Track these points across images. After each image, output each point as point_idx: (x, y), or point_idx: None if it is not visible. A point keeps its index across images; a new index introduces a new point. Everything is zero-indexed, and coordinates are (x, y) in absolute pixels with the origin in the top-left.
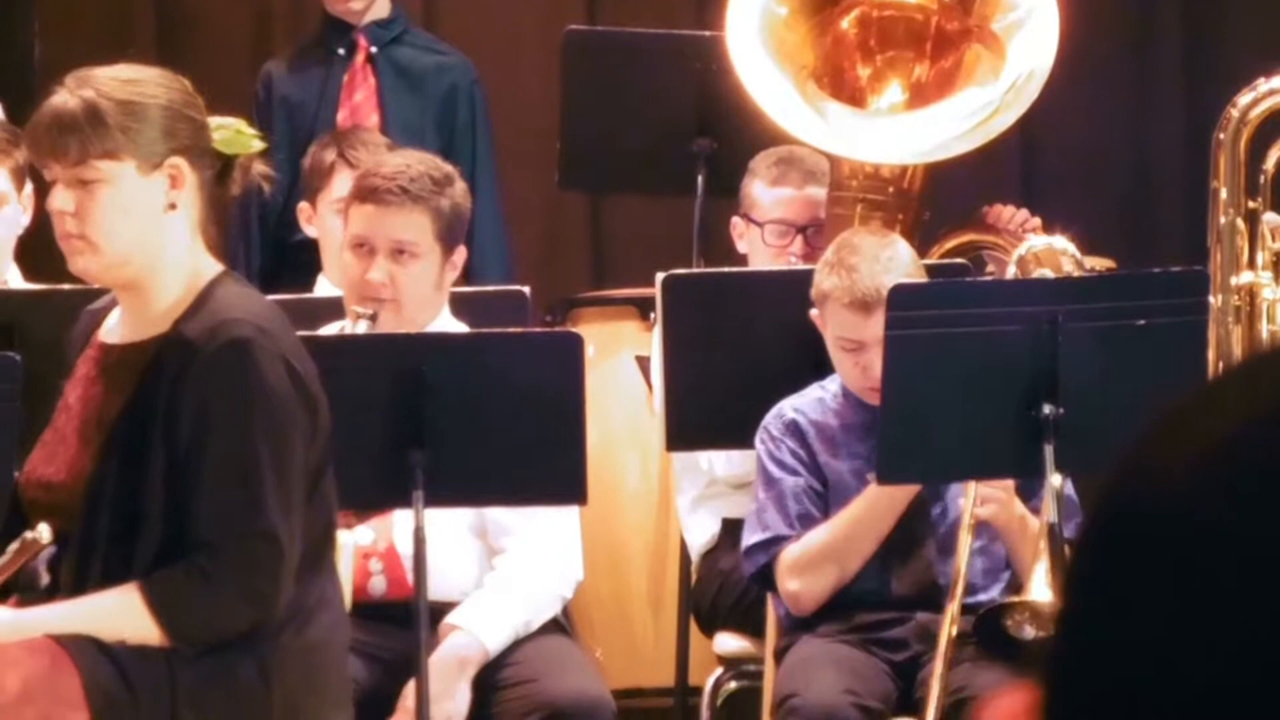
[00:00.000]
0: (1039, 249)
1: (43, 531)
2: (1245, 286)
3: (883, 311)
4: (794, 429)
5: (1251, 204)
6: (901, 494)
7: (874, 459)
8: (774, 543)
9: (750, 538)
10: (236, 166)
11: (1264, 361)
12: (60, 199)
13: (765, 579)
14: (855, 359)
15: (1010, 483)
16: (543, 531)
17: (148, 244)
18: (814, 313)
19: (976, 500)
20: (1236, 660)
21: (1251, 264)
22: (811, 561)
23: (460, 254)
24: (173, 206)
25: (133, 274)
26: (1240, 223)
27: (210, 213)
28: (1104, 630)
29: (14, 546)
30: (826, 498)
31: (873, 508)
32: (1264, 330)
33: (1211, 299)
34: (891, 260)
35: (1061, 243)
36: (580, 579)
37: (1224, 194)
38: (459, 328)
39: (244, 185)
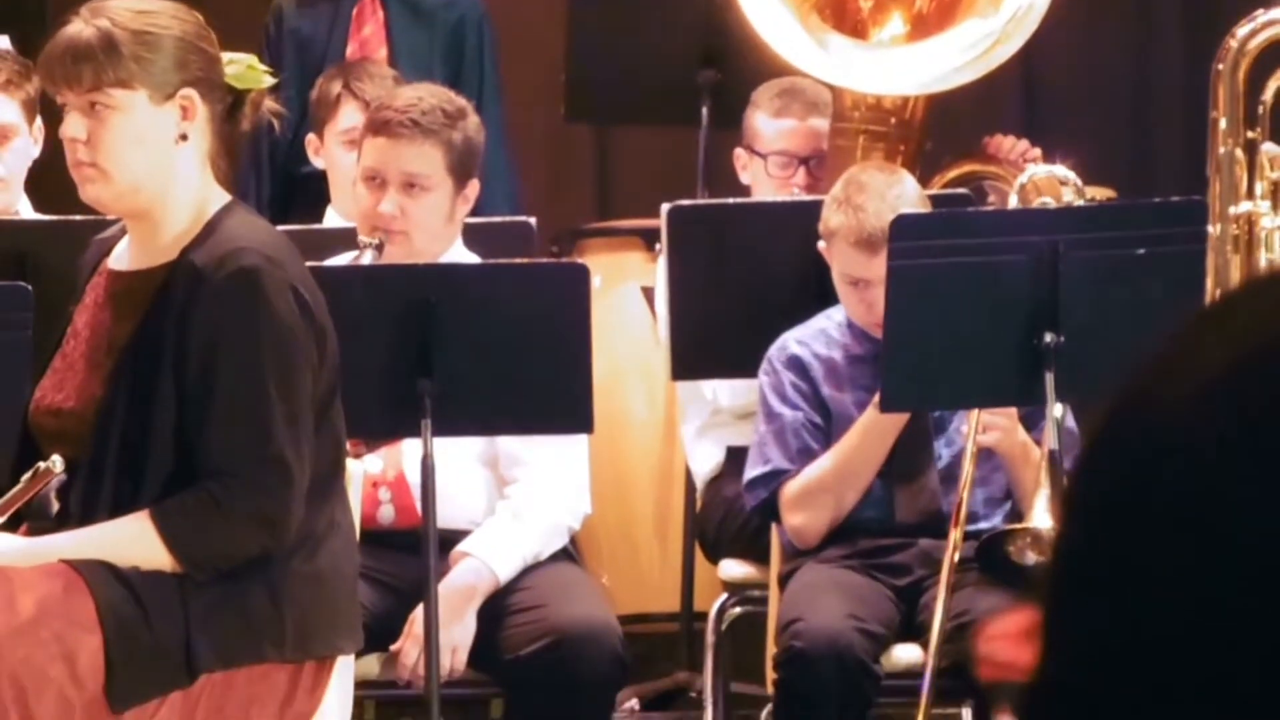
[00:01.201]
0: (1040, 178)
1: (56, 462)
2: (1244, 215)
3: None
4: (796, 363)
5: (1250, 134)
6: (893, 421)
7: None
8: (774, 476)
9: (752, 471)
10: (247, 102)
11: (1260, 289)
12: (73, 126)
13: (768, 511)
14: (860, 295)
15: (1013, 410)
16: (554, 464)
17: (158, 173)
18: (822, 245)
19: (979, 428)
20: (1231, 584)
21: (1250, 193)
22: (812, 495)
23: (473, 187)
24: (184, 137)
25: (143, 203)
26: (1239, 153)
27: (220, 146)
28: (1100, 556)
29: (27, 476)
30: (828, 431)
31: (867, 436)
32: (1262, 259)
33: (1210, 228)
34: (899, 199)
35: (1063, 171)
36: (588, 513)
37: (1223, 124)
38: (472, 260)
39: (254, 121)
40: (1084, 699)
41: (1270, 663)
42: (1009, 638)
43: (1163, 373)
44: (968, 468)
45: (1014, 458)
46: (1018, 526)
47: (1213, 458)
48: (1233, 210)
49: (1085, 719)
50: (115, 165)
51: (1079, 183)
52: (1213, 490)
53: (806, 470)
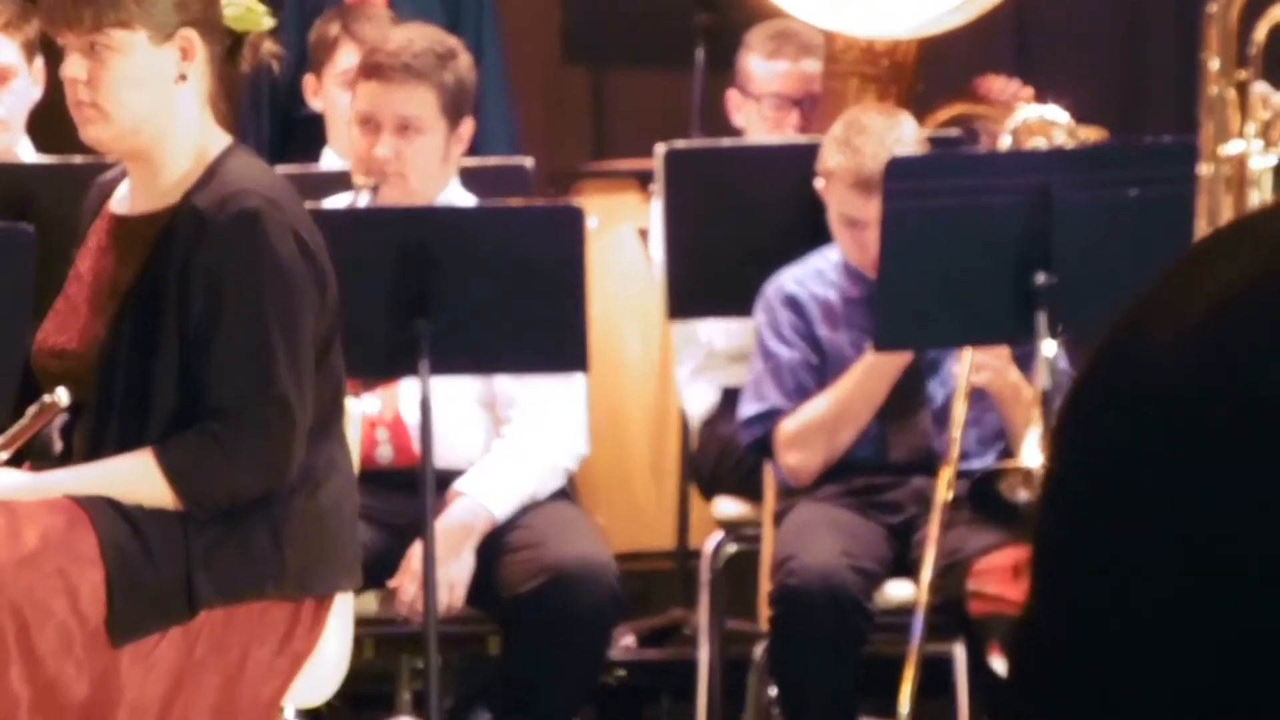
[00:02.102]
0: (1032, 119)
1: (61, 395)
2: (1235, 156)
3: None
4: (792, 302)
5: (1242, 74)
6: (895, 363)
7: (873, 330)
8: (771, 415)
9: (747, 409)
10: (246, 44)
11: (1250, 225)
12: (73, 67)
13: (763, 449)
14: (856, 235)
15: (1005, 350)
16: (550, 404)
17: (158, 114)
18: (820, 184)
19: (972, 367)
20: (1222, 515)
21: (1241, 133)
22: (809, 434)
23: (467, 127)
24: (183, 78)
25: (143, 143)
26: (1231, 93)
27: (220, 87)
28: (1085, 498)
29: (32, 410)
30: (823, 370)
31: (868, 377)
32: (1254, 198)
33: (1202, 168)
34: (897, 143)
35: (1055, 112)
36: (585, 454)
37: (1215, 65)
38: (469, 200)
39: (253, 63)
40: (1071, 637)
41: (1255, 604)
42: (999, 575)
43: (1149, 315)
44: (960, 407)
45: (1005, 397)
46: (1009, 465)
47: (1193, 404)
48: (1224, 150)
49: (1072, 657)
50: (115, 105)
51: (1071, 124)
52: (1192, 437)
53: (803, 409)
